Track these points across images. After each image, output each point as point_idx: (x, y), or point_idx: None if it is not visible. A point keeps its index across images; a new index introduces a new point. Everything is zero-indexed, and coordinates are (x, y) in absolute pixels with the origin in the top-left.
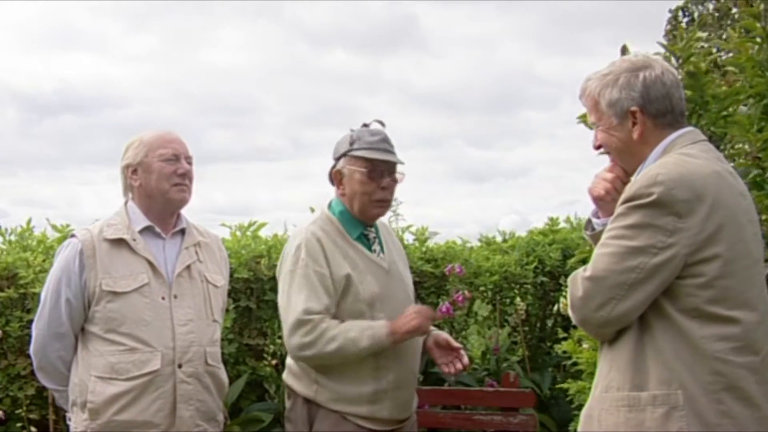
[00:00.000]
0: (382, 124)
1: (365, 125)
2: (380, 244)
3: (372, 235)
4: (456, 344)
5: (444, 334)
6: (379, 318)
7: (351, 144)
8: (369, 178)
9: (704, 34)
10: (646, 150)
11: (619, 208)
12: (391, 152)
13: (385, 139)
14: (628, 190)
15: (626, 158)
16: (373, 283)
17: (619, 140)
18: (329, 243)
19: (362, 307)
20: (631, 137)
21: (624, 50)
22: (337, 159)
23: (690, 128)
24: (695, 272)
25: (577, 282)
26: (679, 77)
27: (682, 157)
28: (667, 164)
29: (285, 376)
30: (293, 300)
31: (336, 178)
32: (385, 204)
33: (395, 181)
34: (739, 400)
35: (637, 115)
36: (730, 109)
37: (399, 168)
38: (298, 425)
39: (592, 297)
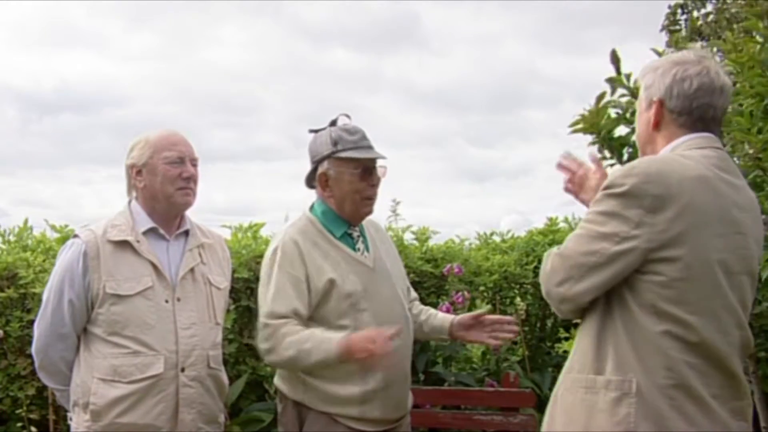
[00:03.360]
0: (348, 117)
1: (333, 123)
2: (365, 242)
3: (356, 234)
4: (480, 312)
5: (463, 316)
6: (363, 316)
7: (334, 145)
8: (360, 178)
9: (699, 44)
10: (659, 141)
11: (597, 194)
12: (373, 148)
13: (365, 136)
14: (609, 177)
15: (644, 144)
16: (356, 281)
17: (642, 125)
18: (307, 245)
19: (344, 307)
20: (648, 125)
21: (614, 55)
22: (319, 162)
23: (706, 134)
24: (655, 269)
25: (549, 257)
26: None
27: (673, 156)
28: (651, 159)
29: (275, 380)
30: (261, 302)
31: (321, 181)
32: (373, 201)
33: (380, 176)
34: (691, 399)
35: (656, 105)
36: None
37: (379, 162)
38: (289, 428)
39: (556, 272)
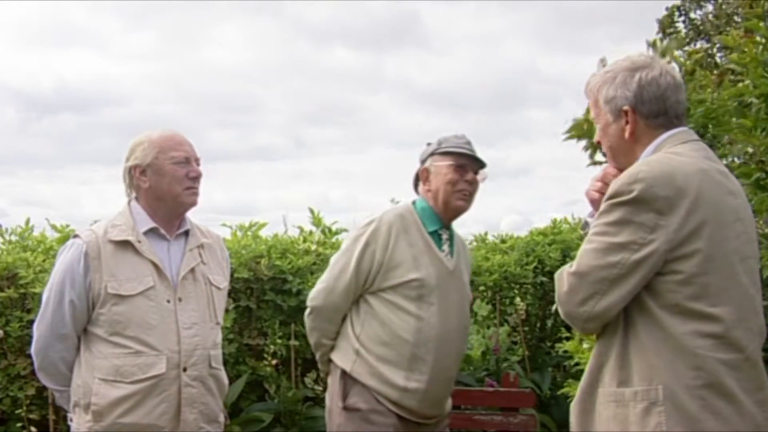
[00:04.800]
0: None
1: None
2: (451, 248)
3: (445, 236)
4: None
5: None
6: (431, 310)
7: (439, 144)
8: (455, 171)
9: (699, 43)
10: (638, 149)
11: (602, 205)
12: (475, 153)
13: (470, 143)
14: (611, 187)
15: (619, 156)
16: (432, 275)
17: (613, 138)
18: (400, 230)
19: (413, 294)
20: (623, 135)
21: (603, 63)
22: (424, 160)
23: (683, 128)
24: (675, 269)
25: (562, 277)
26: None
27: (667, 155)
28: (650, 162)
29: (331, 354)
30: (330, 267)
31: (423, 175)
32: (467, 196)
33: (478, 180)
34: (721, 396)
35: (629, 114)
36: (715, 113)
37: (482, 172)
38: (334, 397)
39: (576, 292)
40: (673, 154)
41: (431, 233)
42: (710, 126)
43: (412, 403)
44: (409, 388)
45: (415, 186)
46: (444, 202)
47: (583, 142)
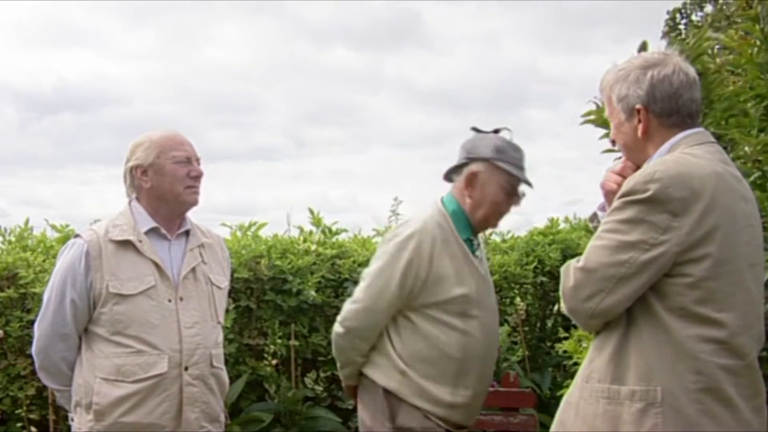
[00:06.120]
0: (510, 130)
1: (497, 131)
2: (480, 253)
3: (476, 242)
4: None
5: None
6: (473, 323)
7: (497, 153)
8: (506, 193)
9: (715, 34)
10: (650, 147)
11: (615, 202)
12: (527, 177)
13: (523, 158)
14: (626, 185)
15: (633, 154)
16: (473, 285)
17: (626, 136)
18: (441, 241)
19: (457, 308)
20: (636, 134)
21: (643, 47)
22: (474, 159)
23: (699, 129)
24: (684, 271)
25: (569, 272)
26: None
27: (683, 155)
28: (666, 162)
29: (365, 369)
30: (366, 283)
31: (470, 178)
32: (503, 218)
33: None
34: (719, 401)
35: (641, 113)
36: (735, 110)
37: (521, 187)
38: (377, 416)
39: (582, 288)
40: (689, 155)
41: (464, 240)
42: (723, 124)
43: (457, 418)
44: (455, 403)
45: (449, 175)
46: (481, 219)
47: (600, 131)
